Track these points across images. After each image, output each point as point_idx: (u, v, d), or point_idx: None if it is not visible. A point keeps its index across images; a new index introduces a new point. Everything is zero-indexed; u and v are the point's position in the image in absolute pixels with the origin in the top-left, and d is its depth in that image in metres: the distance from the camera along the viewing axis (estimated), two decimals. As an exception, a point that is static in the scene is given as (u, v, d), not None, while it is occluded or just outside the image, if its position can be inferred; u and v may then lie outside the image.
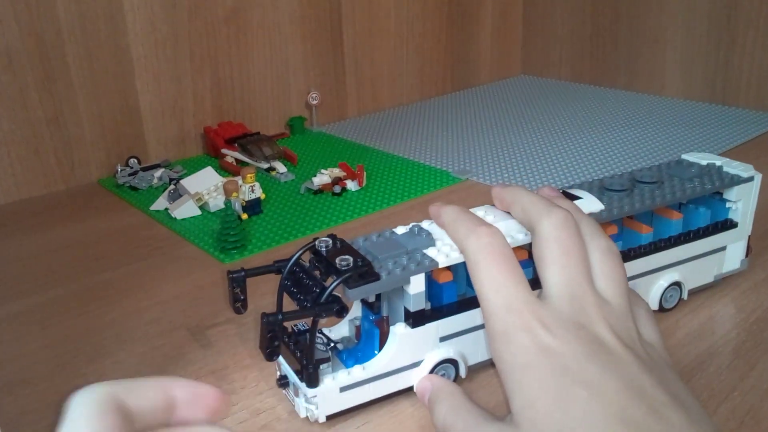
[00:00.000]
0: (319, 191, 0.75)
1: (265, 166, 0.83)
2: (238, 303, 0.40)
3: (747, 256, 0.51)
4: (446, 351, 0.40)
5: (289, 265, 0.39)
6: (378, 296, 0.40)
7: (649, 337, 0.33)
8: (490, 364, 0.42)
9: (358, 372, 0.38)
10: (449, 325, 0.39)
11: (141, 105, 0.86)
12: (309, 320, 0.37)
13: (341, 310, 0.35)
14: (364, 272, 0.36)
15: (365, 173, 0.78)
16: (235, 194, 0.67)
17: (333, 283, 0.36)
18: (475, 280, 0.33)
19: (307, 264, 0.39)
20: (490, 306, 0.32)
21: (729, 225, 0.49)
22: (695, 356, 0.43)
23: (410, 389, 0.40)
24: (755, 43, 0.98)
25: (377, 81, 1.10)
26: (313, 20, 0.99)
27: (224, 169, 0.83)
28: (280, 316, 0.35)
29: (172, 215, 0.70)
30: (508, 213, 0.40)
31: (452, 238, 0.37)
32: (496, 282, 0.32)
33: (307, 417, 0.38)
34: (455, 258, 0.38)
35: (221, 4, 0.89)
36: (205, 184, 0.72)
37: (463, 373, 0.41)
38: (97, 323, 0.51)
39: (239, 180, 0.69)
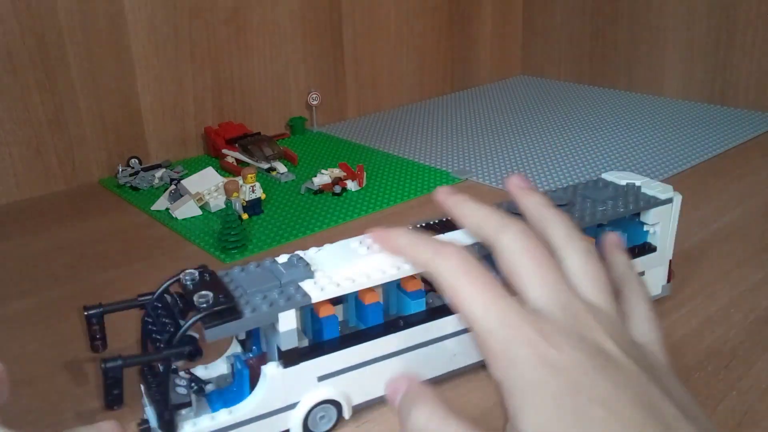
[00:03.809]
0: (320, 191, 0.75)
1: (266, 166, 0.83)
2: (97, 341, 0.37)
3: (669, 281, 0.49)
4: (326, 391, 0.37)
5: (151, 301, 0.36)
6: (250, 333, 0.37)
7: (645, 335, 0.32)
8: (384, 400, 0.38)
9: (223, 416, 0.35)
10: (330, 363, 0.37)
11: (142, 105, 0.86)
12: (162, 362, 0.34)
13: (194, 353, 0.33)
14: (223, 310, 0.33)
15: (365, 173, 0.78)
16: (235, 194, 0.67)
17: (186, 323, 0.33)
18: (458, 303, 0.30)
19: (171, 299, 0.36)
20: (484, 325, 0.29)
21: (648, 249, 0.46)
22: (693, 356, 0.44)
23: None
24: (754, 43, 0.99)
25: (377, 81, 1.10)
26: (313, 20, 0.99)
27: (225, 170, 0.84)
28: (119, 362, 0.32)
29: (173, 215, 0.70)
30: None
31: (414, 262, 0.33)
32: (482, 299, 0.30)
33: None
34: (331, 291, 0.35)
35: (221, 5, 0.89)
36: (206, 184, 0.72)
37: (346, 414, 0.38)
38: (98, 323, 0.51)
39: (240, 180, 0.69)
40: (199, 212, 0.70)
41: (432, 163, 0.85)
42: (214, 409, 0.36)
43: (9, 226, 0.71)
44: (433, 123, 1.03)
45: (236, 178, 0.70)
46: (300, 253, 0.38)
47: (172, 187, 0.73)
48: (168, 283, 0.36)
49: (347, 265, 0.36)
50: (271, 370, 0.35)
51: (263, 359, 0.36)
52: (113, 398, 0.33)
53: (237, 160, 0.85)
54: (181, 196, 0.71)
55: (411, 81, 1.15)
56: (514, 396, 0.28)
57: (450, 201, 0.35)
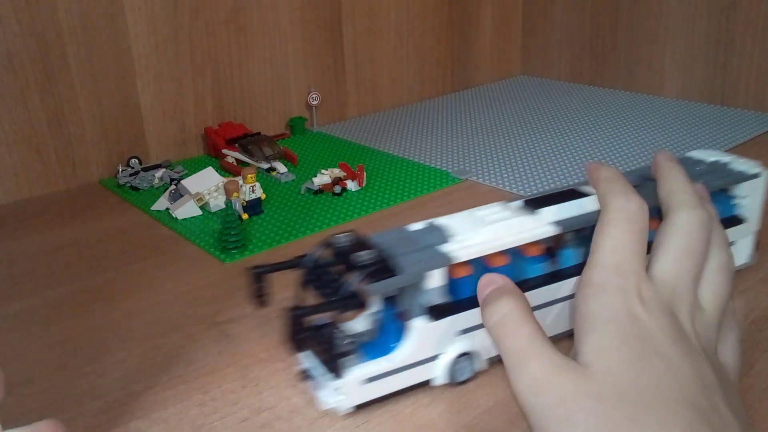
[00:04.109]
0: (320, 191, 0.76)
1: (266, 166, 0.83)
2: (260, 298, 0.42)
3: (756, 250, 0.52)
4: (465, 344, 0.41)
5: (310, 260, 0.40)
6: (397, 291, 0.41)
7: (727, 359, 0.34)
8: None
9: (380, 364, 0.39)
10: (467, 319, 0.40)
11: (142, 105, 0.86)
12: (331, 314, 0.38)
13: (363, 305, 0.37)
14: (384, 267, 0.37)
15: (365, 173, 0.78)
16: (235, 194, 0.67)
17: (355, 278, 0.37)
18: (601, 233, 0.33)
19: (329, 259, 0.40)
20: (602, 258, 0.32)
21: (736, 221, 0.50)
22: (694, 356, 0.43)
23: (431, 381, 0.41)
24: (754, 43, 0.99)
25: (377, 81, 1.10)
26: (313, 20, 0.99)
27: (225, 170, 0.84)
28: (304, 310, 0.36)
29: (173, 215, 0.70)
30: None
31: (602, 191, 0.37)
32: (620, 242, 0.33)
33: (330, 408, 0.39)
34: (472, 253, 0.39)
35: (222, 5, 0.89)
36: (206, 185, 0.72)
37: (482, 366, 0.42)
38: (98, 323, 0.51)
39: (240, 180, 0.69)
40: (199, 212, 0.70)
41: (432, 163, 0.85)
42: (369, 358, 0.39)
43: (9, 226, 0.71)
44: (433, 123, 1.03)
45: (236, 178, 0.70)
46: (432, 220, 0.42)
47: (172, 187, 0.73)
48: (324, 245, 0.40)
49: (479, 231, 0.40)
50: (419, 323, 0.39)
51: (405, 315, 0.40)
52: (297, 343, 0.39)
53: (237, 160, 0.85)
54: (181, 196, 0.71)
55: (411, 81, 1.15)
56: (586, 323, 0.31)
57: (664, 163, 0.39)
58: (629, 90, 1.15)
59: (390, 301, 0.42)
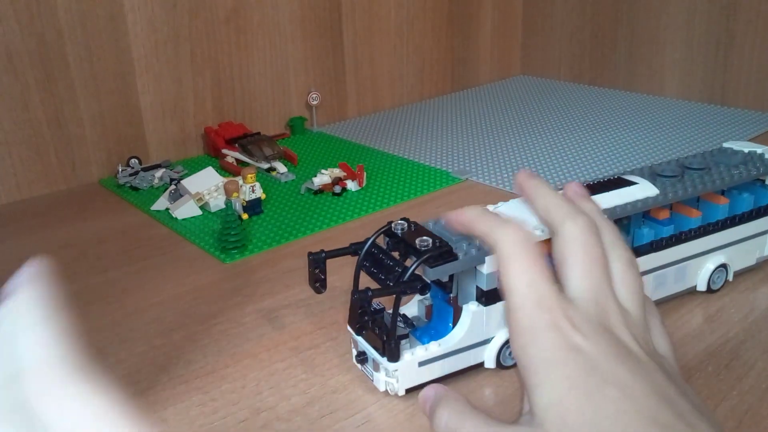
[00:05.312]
0: (320, 191, 0.75)
1: (266, 166, 0.83)
2: (318, 283, 0.42)
3: None
4: None
5: (366, 247, 0.41)
6: (451, 276, 0.41)
7: (662, 348, 0.34)
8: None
9: (434, 348, 0.40)
10: None
11: (142, 105, 0.86)
12: (384, 299, 0.39)
13: (424, 288, 0.38)
14: (443, 252, 0.38)
15: (365, 173, 0.78)
16: (235, 194, 0.67)
17: (415, 262, 0.37)
18: (506, 272, 0.32)
19: (384, 246, 0.41)
20: (520, 299, 0.31)
21: None
22: (694, 356, 0.43)
23: (481, 365, 0.42)
24: (754, 43, 0.99)
25: (377, 81, 1.10)
26: (313, 20, 0.99)
27: (225, 170, 0.84)
28: (369, 293, 0.37)
29: (173, 215, 0.70)
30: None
31: (479, 230, 0.35)
32: (528, 276, 0.31)
33: (386, 391, 0.40)
34: None
35: (221, 5, 0.89)
36: (206, 184, 0.72)
37: None
38: (98, 323, 0.51)
39: (240, 180, 0.69)
40: (199, 212, 0.70)
41: (432, 163, 0.85)
42: (422, 343, 0.41)
43: (9, 226, 0.71)
44: (433, 123, 1.03)
45: (236, 178, 0.70)
46: (485, 207, 0.42)
47: (172, 187, 0.73)
48: (379, 232, 0.42)
49: (531, 218, 0.40)
50: (473, 307, 0.40)
51: (458, 300, 0.41)
52: (362, 325, 0.40)
53: (237, 160, 0.85)
54: (181, 196, 0.71)
55: (411, 81, 1.15)
56: (531, 373, 0.30)
57: (528, 182, 0.37)
58: (629, 90, 1.15)
59: (441, 287, 0.42)
